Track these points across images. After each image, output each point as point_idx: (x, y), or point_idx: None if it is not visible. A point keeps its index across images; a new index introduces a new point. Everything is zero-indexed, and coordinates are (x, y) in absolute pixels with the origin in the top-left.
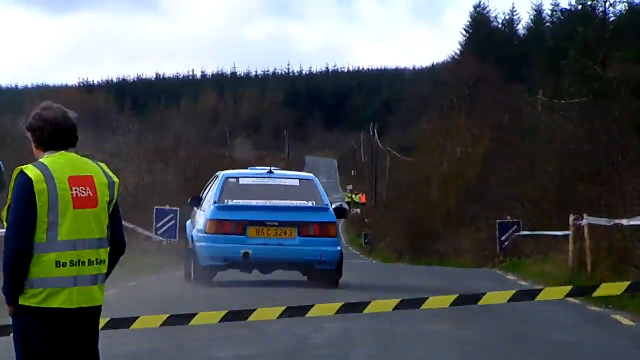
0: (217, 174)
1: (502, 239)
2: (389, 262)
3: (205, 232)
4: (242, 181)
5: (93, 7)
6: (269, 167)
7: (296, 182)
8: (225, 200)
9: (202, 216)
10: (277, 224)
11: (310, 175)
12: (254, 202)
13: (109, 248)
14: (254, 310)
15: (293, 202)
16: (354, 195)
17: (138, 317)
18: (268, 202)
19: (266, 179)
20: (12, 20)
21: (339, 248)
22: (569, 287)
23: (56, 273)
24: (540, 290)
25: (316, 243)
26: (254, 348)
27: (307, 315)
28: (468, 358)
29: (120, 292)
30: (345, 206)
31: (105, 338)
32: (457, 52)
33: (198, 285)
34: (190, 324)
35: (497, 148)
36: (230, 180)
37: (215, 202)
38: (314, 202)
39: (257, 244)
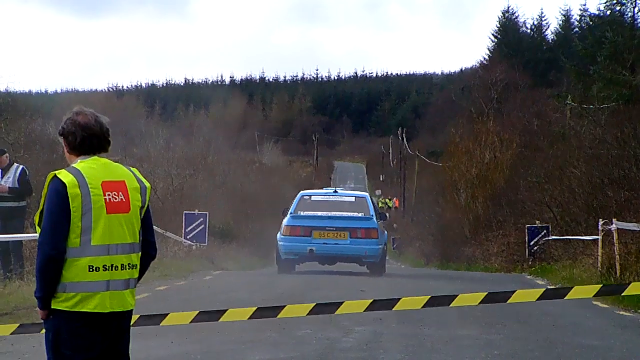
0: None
1: (531, 244)
2: (418, 266)
3: (283, 235)
4: (313, 198)
5: (122, 13)
6: (334, 188)
7: (352, 199)
8: (299, 212)
9: (283, 223)
10: (334, 229)
11: (364, 193)
12: (318, 213)
13: (140, 253)
14: (284, 307)
15: (347, 213)
16: (387, 200)
17: (168, 314)
18: (329, 213)
19: (331, 196)
20: (42, 25)
21: (379, 246)
22: (598, 286)
23: (89, 277)
24: (570, 288)
25: (362, 243)
26: (283, 352)
27: (336, 312)
28: None
29: (151, 296)
30: (387, 214)
31: (135, 342)
32: (486, 57)
33: (231, 286)
34: (220, 320)
35: (525, 153)
36: (305, 197)
37: (291, 213)
38: (363, 214)
39: (319, 243)
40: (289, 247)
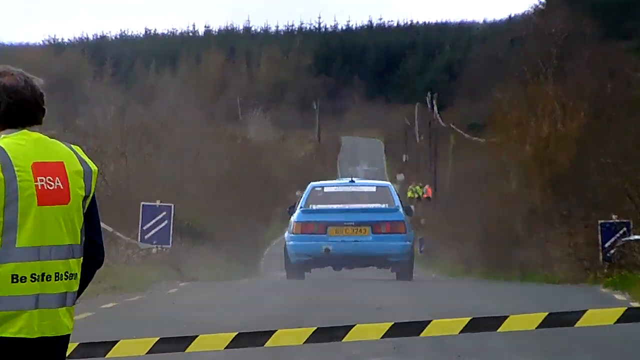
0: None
1: (606, 245)
2: (455, 276)
3: (293, 233)
4: (326, 190)
5: None
6: (351, 178)
7: (373, 189)
8: (310, 206)
9: (291, 220)
10: (353, 223)
11: (386, 182)
12: (334, 206)
13: (82, 258)
14: (274, 332)
15: (368, 205)
16: (418, 188)
17: (117, 342)
18: (346, 206)
19: (348, 187)
20: None
21: (408, 243)
22: None
23: (12, 291)
24: None
25: (387, 239)
26: None
27: (343, 340)
28: None
29: (95, 317)
30: (412, 207)
31: None
32: (542, 0)
33: (203, 302)
34: (187, 350)
35: (596, 125)
36: (317, 189)
37: (301, 207)
38: (387, 205)
39: (336, 241)
40: (301, 247)
